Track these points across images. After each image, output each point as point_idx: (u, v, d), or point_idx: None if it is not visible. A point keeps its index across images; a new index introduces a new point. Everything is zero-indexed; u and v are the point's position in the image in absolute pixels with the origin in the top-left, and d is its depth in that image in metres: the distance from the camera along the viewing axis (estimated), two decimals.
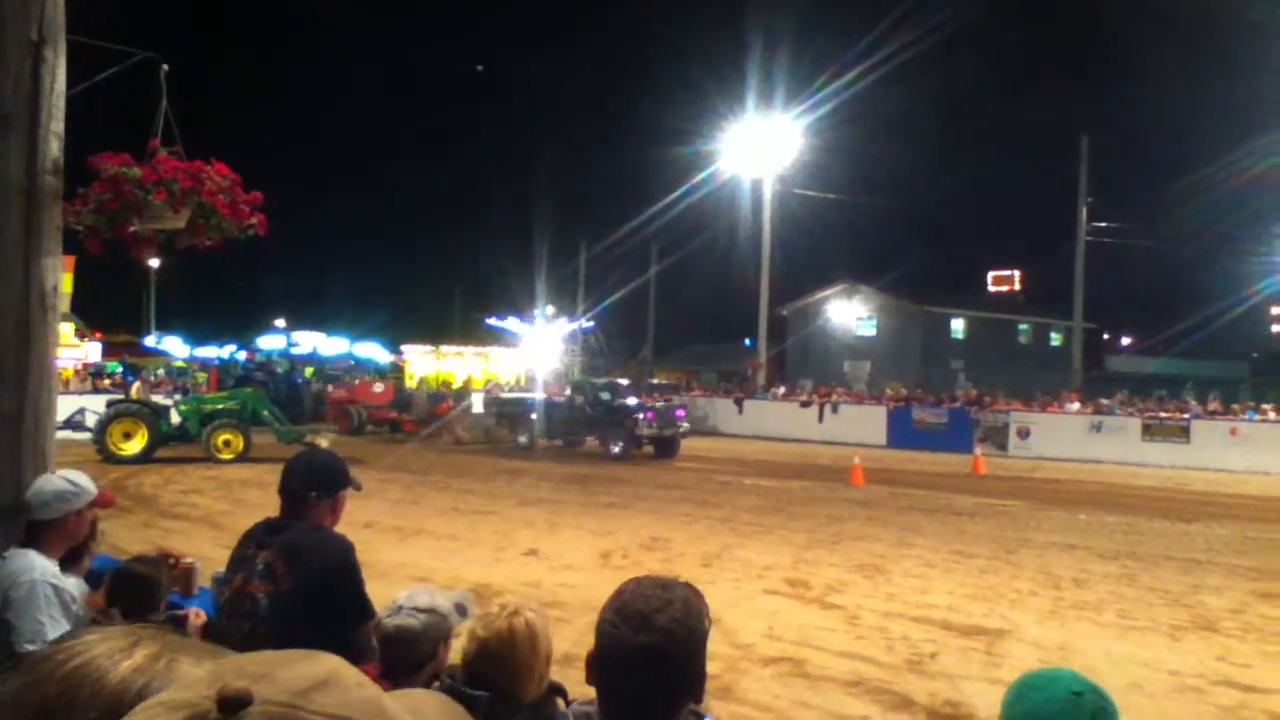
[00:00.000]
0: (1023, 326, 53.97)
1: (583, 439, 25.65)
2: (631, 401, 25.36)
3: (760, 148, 35.65)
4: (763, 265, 36.89)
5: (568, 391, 26.62)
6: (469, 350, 36.79)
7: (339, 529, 3.49)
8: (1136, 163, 69.12)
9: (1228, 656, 7.52)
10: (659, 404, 26.39)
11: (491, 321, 39.27)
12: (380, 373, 37.55)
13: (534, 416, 26.31)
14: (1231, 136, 45.97)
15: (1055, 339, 52.87)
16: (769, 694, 6.50)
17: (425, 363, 35.45)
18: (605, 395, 25.44)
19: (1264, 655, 7.61)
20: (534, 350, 34.08)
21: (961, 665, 7.21)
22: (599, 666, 1.86)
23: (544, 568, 10.48)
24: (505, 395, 29.99)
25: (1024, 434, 27.50)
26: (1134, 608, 9.11)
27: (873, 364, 47.89)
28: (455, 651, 2.90)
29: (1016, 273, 54.41)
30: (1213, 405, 27.37)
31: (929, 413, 29.81)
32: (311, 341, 46.67)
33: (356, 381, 34.17)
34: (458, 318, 55.40)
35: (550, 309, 39.26)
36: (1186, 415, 26.16)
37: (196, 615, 3.89)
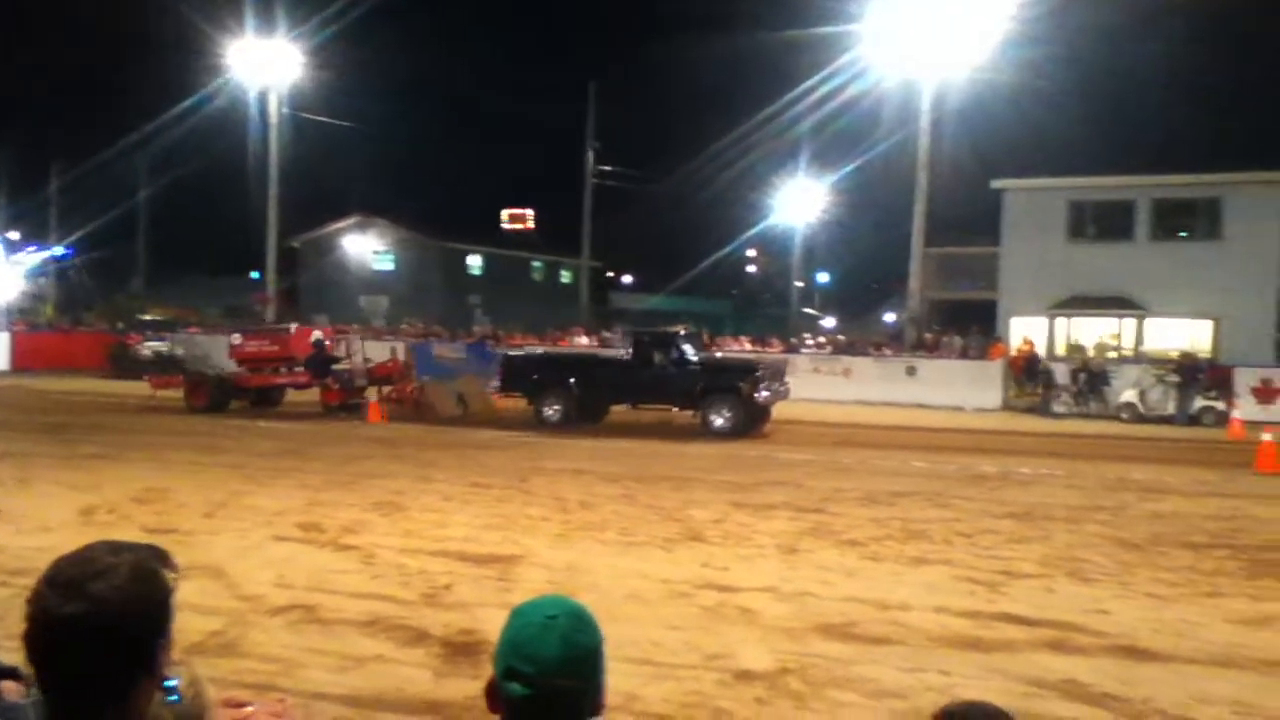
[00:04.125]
0: (536, 264, 56.33)
1: (604, 410, 19.44)
2: (744, 360, 20.25)
3: (265, 66, 33.52)
4: (270, 193, 34.93)
5: (627, 351, 19.82)
6: None
7: None
8: (645, 112, 74.55)
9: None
10: (767, 360, 21.38)
11: None
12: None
13: (573, 381, 19.14)
14: (734, 96, 51.35)
15: (566, 276, 55.82)
16: (278, 644, 6.14)
17: None
18: (688, 349, 19.28)
19: (738, 558, 8.55)
20: None
21: (476, 594, 7.32)
22: (30, 642, 1.55)
23: (9, 530, 9.06)
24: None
25: None
26: (633, 525, 9.84)
27: (391, 299, 47.55)
28: None
29: (530, 212, 56.72)
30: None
31: (448, 348, 30.15)
32: None
33: (292, 329, 22.57)
34: None
35: (14, 234, 33.93)
36: None
37: None
